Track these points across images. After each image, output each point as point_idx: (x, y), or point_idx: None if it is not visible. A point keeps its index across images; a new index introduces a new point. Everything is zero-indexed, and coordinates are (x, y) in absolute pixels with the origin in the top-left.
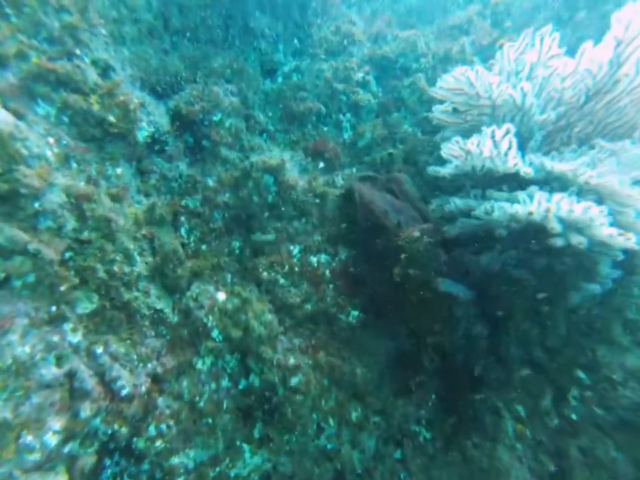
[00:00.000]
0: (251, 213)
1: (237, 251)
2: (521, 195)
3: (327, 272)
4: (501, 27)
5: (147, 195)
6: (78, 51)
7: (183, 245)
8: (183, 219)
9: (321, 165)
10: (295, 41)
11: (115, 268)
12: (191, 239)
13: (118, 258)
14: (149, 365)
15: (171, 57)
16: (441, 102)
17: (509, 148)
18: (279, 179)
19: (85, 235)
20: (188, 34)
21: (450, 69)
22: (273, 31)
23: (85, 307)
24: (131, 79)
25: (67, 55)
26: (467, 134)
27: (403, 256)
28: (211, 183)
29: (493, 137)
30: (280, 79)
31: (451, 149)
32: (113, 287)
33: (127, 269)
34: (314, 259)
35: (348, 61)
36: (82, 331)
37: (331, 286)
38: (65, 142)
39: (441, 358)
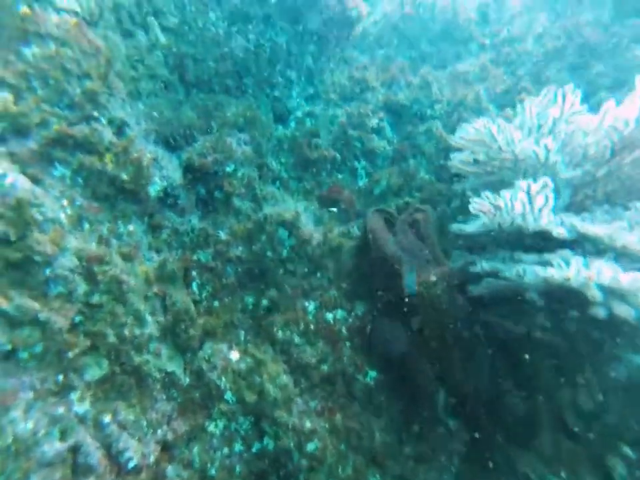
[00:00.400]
0: (265, 267)
1: (251, 307)
2: (555, 258)
3: (344, 329)
4: (514, 75)
5: (159, 251)
6: (96, 113)
7: (194, 301)
8: (194, 273)
9: (335, 209)
10: (308, 86)
11: (126, 331)
12: (203, 295)
13: (129, 320)
14: (159, 431)
15: (185, 108)
16: (459, 150)
17: (545, 204)
18: (293, 232)
19: (96, 298)
20: (202, 85)
21: (466, 116)
22: (285, 78)
23: (94, 373)
24: (145, 133)
25: (85, 119)
26: (489, 186)
27: (420, 302)
28: (223, 235)
29: (528, 191)
30: (293, 124)
31: (480, 204)
32: (124, 350)
33: (137, 332)
34: (330, 316)
35: (362, 107)
36: (90, 399)
37: (347, 344)
38: (78, 203)
39: (464, 414)
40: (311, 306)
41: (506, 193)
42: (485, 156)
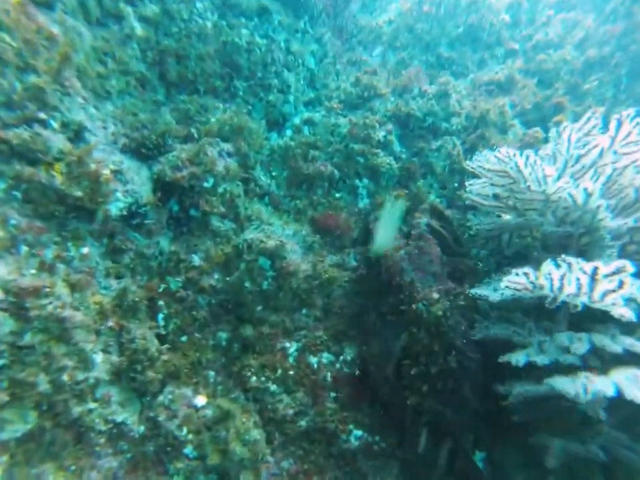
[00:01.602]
0: (242, 300)
1: (224, 344)
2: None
3: (329, 376)
4: (547, 88)
5: (119, 278)
6: (43, 115)
7: (159, 336)
8: (161, 303)
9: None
10: (309, 89)
11: (65, 377)
12: (170, 328)
13: (70, 363)
14: None
15: (163, 111)
16: (476, 177)
17: (615, 289)
18: (276, 263)
19: (27, 339)
20: (185, 85)
21: (488, 135)
22: (282, 81)
23: (15, 430)
24: (112, 139)
25: (26, 121)
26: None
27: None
28: (197, 261)
29: (593, 275)
30: (289, 132)
31: (516, 282)
32: (59, 401)
33: (80, 376)
34: (314, 360)
35: (368, 117)
36: (5, 463)
37: (332, 395)
38: (14, 221)
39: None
40: (292, 348)
41: (553, 272)
42: (507, 190)
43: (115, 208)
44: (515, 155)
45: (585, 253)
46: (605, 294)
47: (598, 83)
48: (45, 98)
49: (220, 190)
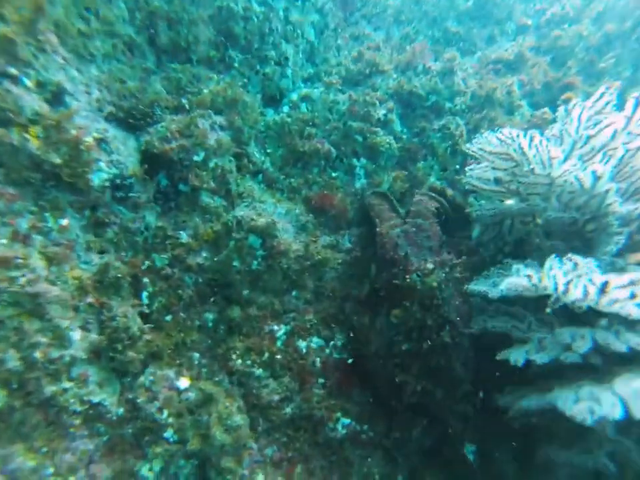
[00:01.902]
0: (230, 280)
1: (210, 324)
2: None
3: (318, 361)
4: (560, 67)
5: (102, 252)
6: (13, 70)
7: (142, 315)
8: (146, 281)
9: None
10: (308, 64)
11: (37, 354)
12: (154, 307)
13: (43, 340)
14: (72, 479)
15: (153, 79)
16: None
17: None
18: (267, 242)
19: None
20: (177, 53)
21: (493, 115)
22: (280, 53)
23: None
24: (97, 105)
25: None
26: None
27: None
28: (184, 238)
29: (602, 288)
30: (286, 109)
31: (516, 283)
32: (31, 379)
33: (55, 354)
34: (303, 344)
35: (369, 94)
36: None
37: (320, 381)
38: None
39: None
40: (281, 331)
41: (559, 275)
42: (510, 174)
43: (98, 178)
44: (518, 136)
45: (590, 240)
46: (614, 302)
47: (615, 61)
48: (15, 51)
49: (211, 165)
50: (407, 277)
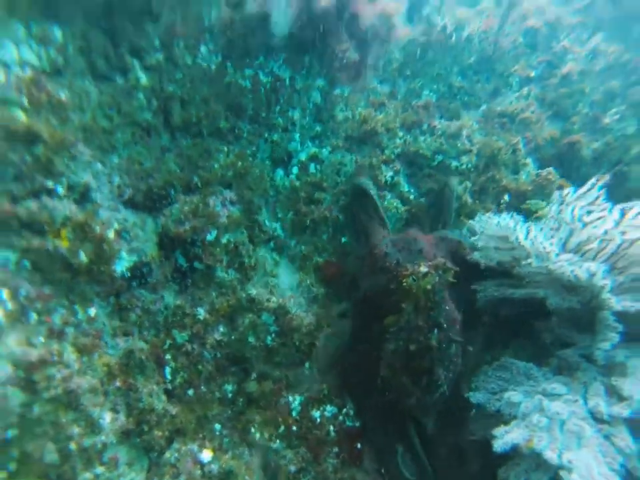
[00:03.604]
0: (247, 355)
1: (230, 396)
2: None
3: (332, 430)
4: (564, 121)
5: (126, 335)
6: (50, 184)
7: (166, 390)
8: (168, 357)
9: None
10: (315, 123)
11: (72, 445)
12: (177, 381)
13: (77, 430)
14: None
15: (168, 157)
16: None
17: None
18: (280, 318)
19: (36, 411)
20: (190, 128)
21: (498, 177)
22: (287, 119)
23: None
24: (117, 192)
25: (34, 193)
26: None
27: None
28: (202, 314)
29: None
30: (295, 170)
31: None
32: (67, 469)
33: (88, 442)
34: (317, 414)
35: (375, 155)
36: None
37: (335, 450)
38: (24, 292)
39: None
40: (295, 402)
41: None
42: (510, 257)
43: (120, 267)
44: (515, 228)
45: (592, 326)
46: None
47: (619, 117)
48: (52, 166)
49: (223, 240)
50: (404, 280)
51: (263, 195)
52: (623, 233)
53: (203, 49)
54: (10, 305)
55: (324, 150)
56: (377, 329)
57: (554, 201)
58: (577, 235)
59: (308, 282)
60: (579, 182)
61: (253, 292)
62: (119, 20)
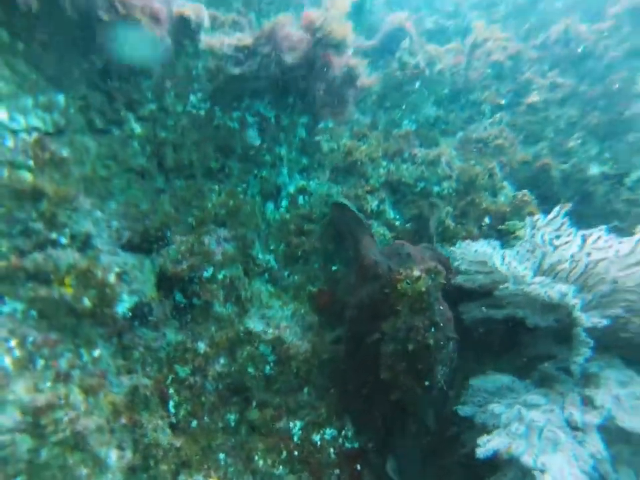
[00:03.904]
0: (247, 385)
1: (233, 424)
2: None
3: (332, 452)
4: (534, 144)
5: (130, 373)
6: (54, 235)
7: (171, 424)
8: (171, 391)
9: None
10: (302, 156)
11: None
12: (181, 414)
13: (85, 470)
14: None
15: (163, 199)
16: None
17: None
18: (277, 348)
19: (44, 455)
20: (182, 170)
21: (478, 201)
22: (274, 156)
23: None
24: (116, 235)
25: (40, 246)
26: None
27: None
28: (202, 348)
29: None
30: (284, 203)
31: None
32: None
33: None
34: (317, 437)
35: (360, 185)
36: None
37: (336, 472)
38: (31, 339)
39: None
40: (296, 427)
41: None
42: (491, 281)
43: (122, 308)
44: (492, 255)
45: (568, 340)
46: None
47: (581, 141)
48: (56, 220)
49: (220, 276)
50: (398, 285)
51: (255, 229)
52: (589, 254)
53: (192, 97)
54: (18, 353)
55: (311, 182)
56: (371, 341)
57: (527, 225)
58: (549, 257)
59: (302, 311)
60: (552, 201)
61: (251, 325)
62: (116, 80)
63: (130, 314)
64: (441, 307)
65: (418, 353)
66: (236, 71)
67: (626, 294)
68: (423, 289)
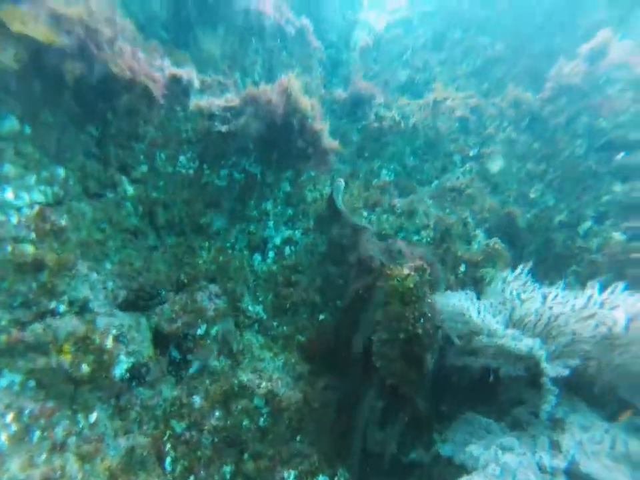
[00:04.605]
0: (242, 437)
1: (228, 477)
2: None
3: None
4: (501, 194)
5: (127, 433)
6: (53, 304)
7: None
8: (168, 447)
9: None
10: (287, 207)
11: None
12: (177, 470)
13: None
14: None
15: (155, 255)
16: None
17: None
18: (270, 401)
19: None
20: (174, 227)
21: (453, 249)
22: (261, 211)
23: None
24: (112, 295)
25: (40, 316)
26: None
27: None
28: (198, 402)
29: None
30: (271, 254)
31: None
32: None
33: None
34: None
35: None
36: None
37: None
38: (28, 410)
39: None
40: (290, 477)
41: None
42: (468, 331)
43: (120, 370)
44: (469, 308)
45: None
46: None
47: (540, 193)
48: (55, 288)
49: (212, 332)
50: (389, 281)
51: (244, 282)
52: (551, 308)
53: (182, 158)
54: (14, 427)
55: (296, 232)
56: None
57: (498, 279)
58: (518, 310)
59: (292, 360)
60: (519, 246)
61: (244, 379)
62: (112, 146)
63: (127, 375)
64: (429, 300)
65: (409, 341)
66: (223, 128)
67: (582, 344)
68: (412, 285)
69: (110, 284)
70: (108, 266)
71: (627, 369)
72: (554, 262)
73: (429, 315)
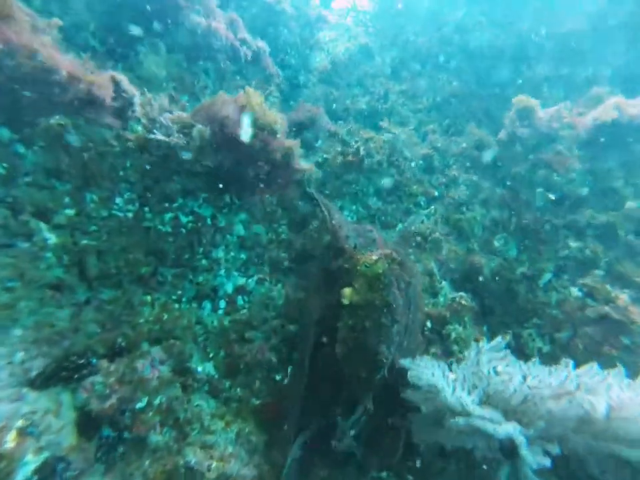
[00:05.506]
0: None
1: None
2: None
3: None
4: (465, 241)
5: None
6: None
7: None
8: None
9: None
10: (241, 251)
11: None
12: None
13: None
14: None
15: (86, 313)
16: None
17: None
18: None
19: None
20: (109, 278)
21: (421, 305)
22: (211, 260)
23: None
24: (22, 370)
25: None
26: None
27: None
28: None
29: None
30: (222, 304)
31: None
32: None
33: None
34: None
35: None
36: None
37: None
38: None
39: None
40: None
41: None
42: (441, 408)
43: (23, 475)
44: (443, 388)
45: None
46: None
47: (503, 242)
48: None
49: (155, 403)
50: (358, 266)
51: (193, 339)
52: (528, 385)
53: (118, 200)
54: None
55: (250, 280)
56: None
57: (472, 348)
58: (493, 385)
59: (247, 430)
60: (484, 295)
61: (192, 460)
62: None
63: (35, 478)
64: (395, 291)
65: (371, 331)
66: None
67: (558, 427)
68: (380, 271)
69: (19, 356)
70: (17, 332)
71: (599, 450)
72: (516, 313)
73: (394, 305)
